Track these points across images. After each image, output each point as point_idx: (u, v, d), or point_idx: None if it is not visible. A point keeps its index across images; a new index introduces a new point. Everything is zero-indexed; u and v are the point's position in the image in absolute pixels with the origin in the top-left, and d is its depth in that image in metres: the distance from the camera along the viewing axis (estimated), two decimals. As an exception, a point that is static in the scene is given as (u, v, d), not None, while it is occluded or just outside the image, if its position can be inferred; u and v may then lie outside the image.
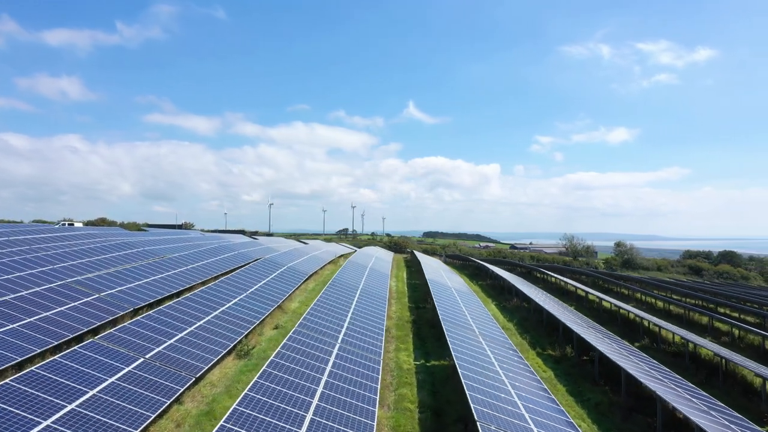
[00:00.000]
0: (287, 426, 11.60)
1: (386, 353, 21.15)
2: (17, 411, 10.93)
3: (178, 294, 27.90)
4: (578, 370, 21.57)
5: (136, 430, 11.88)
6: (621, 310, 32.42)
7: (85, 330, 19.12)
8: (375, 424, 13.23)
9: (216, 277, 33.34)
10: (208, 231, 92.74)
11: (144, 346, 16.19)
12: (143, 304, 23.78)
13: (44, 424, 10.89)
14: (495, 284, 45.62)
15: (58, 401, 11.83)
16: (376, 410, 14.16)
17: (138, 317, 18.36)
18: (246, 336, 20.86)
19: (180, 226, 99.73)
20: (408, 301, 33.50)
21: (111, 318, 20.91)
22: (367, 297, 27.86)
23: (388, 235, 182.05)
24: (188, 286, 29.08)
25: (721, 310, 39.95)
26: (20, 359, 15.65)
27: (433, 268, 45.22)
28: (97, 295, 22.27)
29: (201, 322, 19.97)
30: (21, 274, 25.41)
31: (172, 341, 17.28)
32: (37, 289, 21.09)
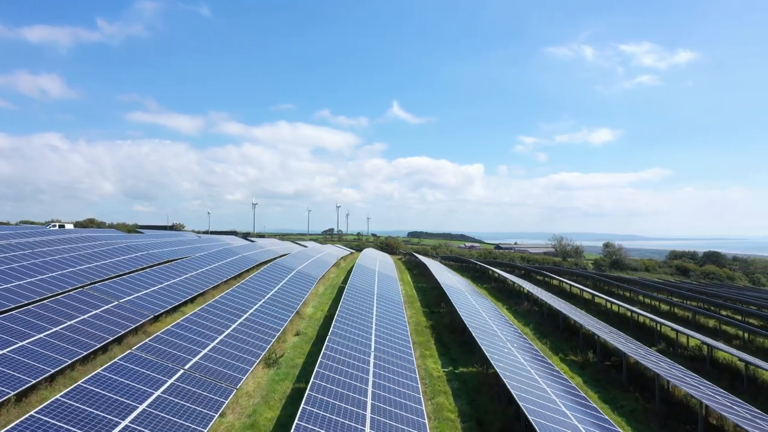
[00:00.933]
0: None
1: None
2: (75, 430, 10.55)
3: (193, 299, 27.47)
4: (604, 376, 21.58)
5: (193, 446, 11.56)
6: (632, 314, 32.59)
7: (111, 339, 18.67)
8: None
9: (227, 282, 32.89)
10: (195, 231, 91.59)
11: (181, 356, 15.81)
12: (162, 311, 23.35)
13: (104, 442, 10.52)
14: (501, 287, 45.57)
15: (111, 417, 11.44)
16: (426, 422, 13.97)
17: (169, 326, 17.93)
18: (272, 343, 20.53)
19: (171, 227, 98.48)
20: (421, 306, 33.35)
21: (133, 326, 20.46)
22: (385, 302, 27.64)
23: (374, 235, 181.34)
24: (201, 291, 28.62)
25: (724, 313, 40.43)
26: (53, 371, 15.20)
27: (439, 271, 45.11)
28: (116, 302, 21.75)
29: (228, 330, 19.60)
30: (33, 279, 24.84)
31: (206, 351, 16.90)
32: (58, 296, 20.52)
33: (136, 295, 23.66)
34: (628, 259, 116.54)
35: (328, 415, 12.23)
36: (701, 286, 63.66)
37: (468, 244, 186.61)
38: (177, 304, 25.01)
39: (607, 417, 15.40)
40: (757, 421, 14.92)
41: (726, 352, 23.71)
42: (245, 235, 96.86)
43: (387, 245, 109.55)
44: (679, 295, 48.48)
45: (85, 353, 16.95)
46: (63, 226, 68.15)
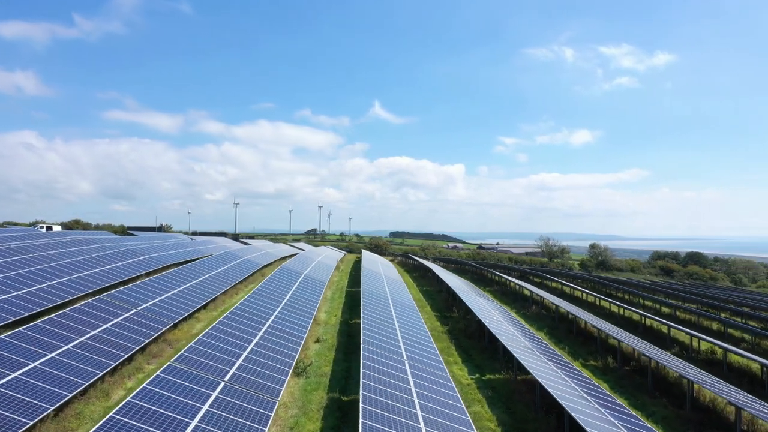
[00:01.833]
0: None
1: (441, 367, 20.77)
2: (137, 449, 10.16)
3: (205, 305, 26.96)
4: (629, 382, 21.63)
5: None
6: (642, 318, 32.83)
7: (136, 348, 18.17)
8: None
9: (234, 287, 32.38)
10: (184, 233, 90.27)
11: (218, 367, 15.40)
12: (179, 318, 22.86)
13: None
14: (504, 290, 45.59)
15: (168, 435, 11.06)
16: (477, 433, 13.80)
17: (200, 336, 17.49)
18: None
19: (159, 228, 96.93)
20: (432, 310, 33.19)
21: (155, 335, 19.96)
22: (401, 308, 27.43)
23: (356, 235, 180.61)
24: (213, 297, 28.10)
25: (723, 315, 41.00)
26: (86, 384, 14.72)
27: (443, 274, 45.00)
28: (134, 310, 21.20)
29: (256, 338, 19.20)
30: (42, 286, 24.14)
31: (240, 361, 16.50)
32: (77, 305, 19.91)
33: (153, 302, 23.10)
34: (613, 260, 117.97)
35: (383, 428, 11.98)
36: (696, 287, 64.59)
37: (451, 244, 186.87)
38: (192, 311, 24.51)
39: (651, 426, 15.40)
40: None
41: (741, 355, 23.97)
42: (235, 237, 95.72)
43: (376, 246, 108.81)
44: (675, 297, 49.06)
45: (114, 364, 16.46)
46: (50, 228, 66.40)
